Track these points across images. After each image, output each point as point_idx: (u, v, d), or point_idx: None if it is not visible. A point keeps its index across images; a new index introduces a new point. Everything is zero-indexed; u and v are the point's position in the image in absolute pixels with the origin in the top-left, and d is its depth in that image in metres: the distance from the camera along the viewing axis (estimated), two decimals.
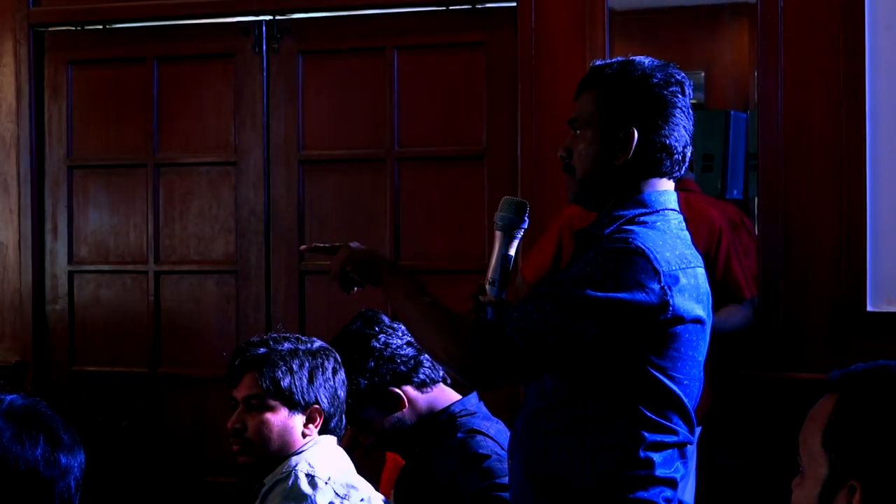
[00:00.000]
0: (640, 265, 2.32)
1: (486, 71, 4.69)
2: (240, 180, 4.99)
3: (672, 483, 2.42)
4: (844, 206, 4.16)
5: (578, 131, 2.49)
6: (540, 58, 4.52)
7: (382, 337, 3.02)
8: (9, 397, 1.84)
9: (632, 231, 2.39)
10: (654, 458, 2.39)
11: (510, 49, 4.60)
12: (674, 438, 2.41)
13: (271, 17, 4.94)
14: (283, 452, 2.85)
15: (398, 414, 3.00)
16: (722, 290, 4.07)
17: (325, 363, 2.91)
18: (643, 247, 2.34)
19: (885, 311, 4.14)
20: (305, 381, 2.85)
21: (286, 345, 2.91)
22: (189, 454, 5.03)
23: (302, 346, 2.92)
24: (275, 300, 4.93)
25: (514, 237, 2.53)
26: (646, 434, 2.38)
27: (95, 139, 5.19)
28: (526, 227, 2.54)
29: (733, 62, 5.42)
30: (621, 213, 2.43)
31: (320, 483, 2.79)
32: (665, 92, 2.44)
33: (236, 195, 5.00)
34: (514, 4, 4.58)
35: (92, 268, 5.20)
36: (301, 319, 4.88)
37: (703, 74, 5.48)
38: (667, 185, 2.48)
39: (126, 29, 5.15)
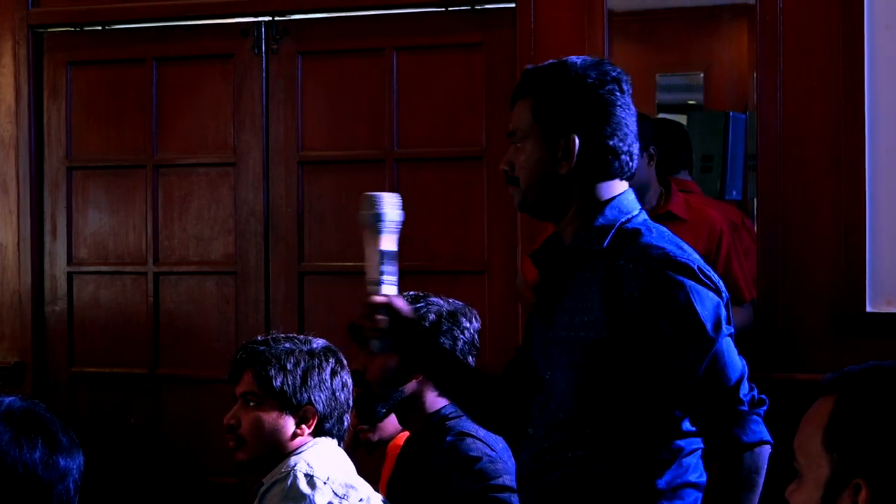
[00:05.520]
0: (704, 281, 2.30)
1: (485, 72, 4.69)
2: (239, 181, 4.99)
3: (702, 488, 2.35)
4: (844, 207, 4.16)
5: (518, 143, 2.40)
6: (539, 59, 4.47)
7: (471, 325, 2.97)
8: (7, 400, 1.85)
9: (661, 245, 2.31)
10: (689, 464, 2.35)
11: (509, 50, 4.60)
12: (700, 444, 2.36)
13: (270, 18, 4.94)
14: (276, 452, 2.86)
15: (408, 386, 3.00)
16: None
17: (323, 364, 2.91)
18: (689, 261, 2.31)
19: (884, 311, 4.14)
20: (298, 380, 2.86)
21: (286, 344, 2.92)
22: (188, 454, 5.03)
23: (302, 347, 2.92)
24: (274, 301, 4.93)
25: (380, 231, 2.48)
26: (681, 443, 2.35)
27: (95, 140, 5.19)
28: (390, 216, 2.47)
29: (732, 63, 5.41)
30: (605, 221, 2.36)
31: (319, 483, 2.79)
32: (601, 91, 2.34)
33: (235, 196, 5.00)
34: (513, 5, 4.58)
35: (91, 269, 5.20)
36: (300, 320, 4.88)
37: (702, 75, 5.47)
38: (623, 186, 2.40)
39: (125, 30, 5.15)
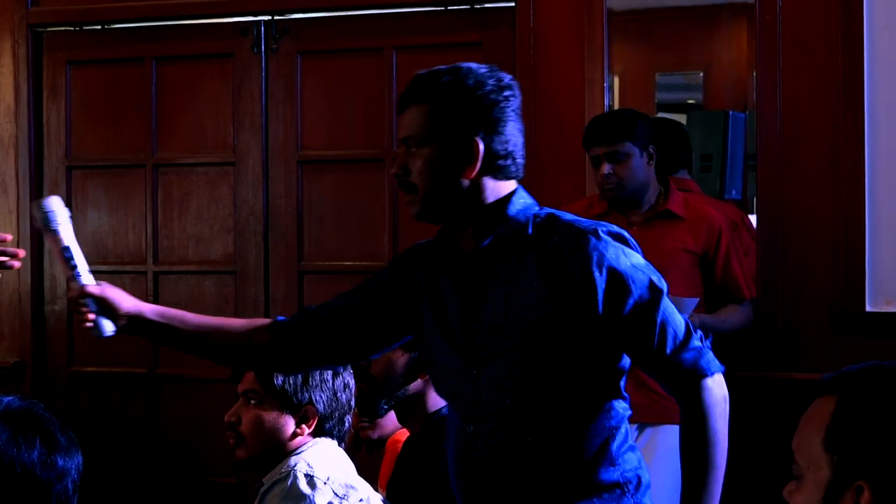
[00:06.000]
0: (632, 246, 2.42)
1: None
2: (238, 180, 4.99)
3: (637, 449, 2.48)
4: (843, 206, 4.16)
5: (414, 148, 2.42)
6: (538, 58, 4.52)
7: None
8: (6, 399, 1.84)
9: (587, 220, 2.42)
10: (627, 429, 2.46)
11: (508, 49, 4.60)
12: (628, 409, 2.48)
13: (270, 18, 4.94)
14: (275, 450, 2.86)
15: (413, 385, 3.01)
16: (721, 289, 4.07)
17: None
18: (619, 230, 2.43)
19: (884, 311, 4.14)
20: (300, 380, 2.86)
21: None
22: (188, 454, 5.03)
23: None
24: (273, 301, 4.93)
25: (56, 230, 2.62)
26: (618, 408, 2.44)
27: (94, 139, 5.19)
28: (59, 215, 2.63)
29: (732, 62, 5.41)
30: (518, 211, 2.41)
31: (319, 483, 2.79)
32: (500, 97, 2.41)
33: (235, 195, 5.00)
34: (512, 4, 4.58)
35: (90, 268, 5.17)
36: None
37: (701, 74, 5.48)
38: (515, 185, 2.46)
39: (125, 29, 5.15)
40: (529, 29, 4.53)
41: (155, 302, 5.05)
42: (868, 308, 4.14)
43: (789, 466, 1.78)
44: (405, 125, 2.44)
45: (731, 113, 5.15)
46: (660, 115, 5.19)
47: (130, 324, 2.64)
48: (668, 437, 3.75)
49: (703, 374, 2.35)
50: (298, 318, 2.62)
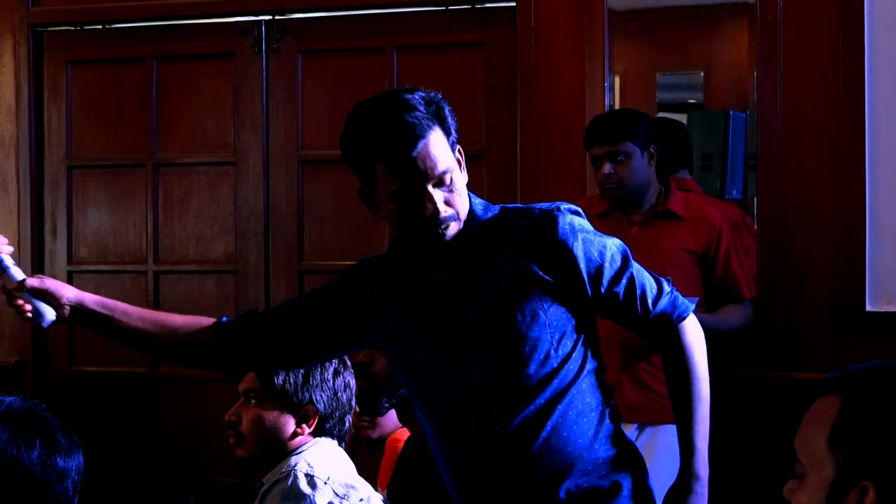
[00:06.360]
0: (586, 220, 2.53)
1: (485, 71, 4.69)
2: (239, 180, 4.99)
3: None
4: (844, 206, 4.16)
5: (451, 177, 2.45)
6: (539, 58, 4.52)
7: None
8: (7, 400, 1.84)
9: (537, 204, 2.51)
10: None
11: (509, 49, 4.60)
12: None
13: (271, 17, 4.94)
14: (275, 450, 2.87)
15: None
16: (721, 289, 4.07)
17: (326, 363, 2.91)
18: (575, 207, 2.54)
19: (884, 310, 4.14)
20: (300, 379, 2.86)
21: None
22: (188, 454, 5.03)
23: None
24: (274, 300, 4.93)
25: None
26: (604, 377, 2.55)
27: (95, 139, 5.19)
28: None
29: (732, 62, 5.40)
30: (483, 209, 2.51)
31: (319, 483, 2.79)
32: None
33: (236, 195, 5.00)
34: (513, 4, 4.58)
35: (91, 268, 5.20)
36: None
37: (702, 74, 5.47)
38: None
39: (125, 29, 5.15)
40: (530, 29, 4.52)
41: (155, 302, 5.07)
42: (868, 308, 4.14)
43: (790, 466, 1.78)
44: (427, 165, 2.42)
45: (731, 113, 5.14)
46: (660, 114, 5.19)
47: (73, 313, 2.70)
48: (668, 437, 3.74)
49: (681, 317, 2.51)
50: (245, 320, 2.67)
